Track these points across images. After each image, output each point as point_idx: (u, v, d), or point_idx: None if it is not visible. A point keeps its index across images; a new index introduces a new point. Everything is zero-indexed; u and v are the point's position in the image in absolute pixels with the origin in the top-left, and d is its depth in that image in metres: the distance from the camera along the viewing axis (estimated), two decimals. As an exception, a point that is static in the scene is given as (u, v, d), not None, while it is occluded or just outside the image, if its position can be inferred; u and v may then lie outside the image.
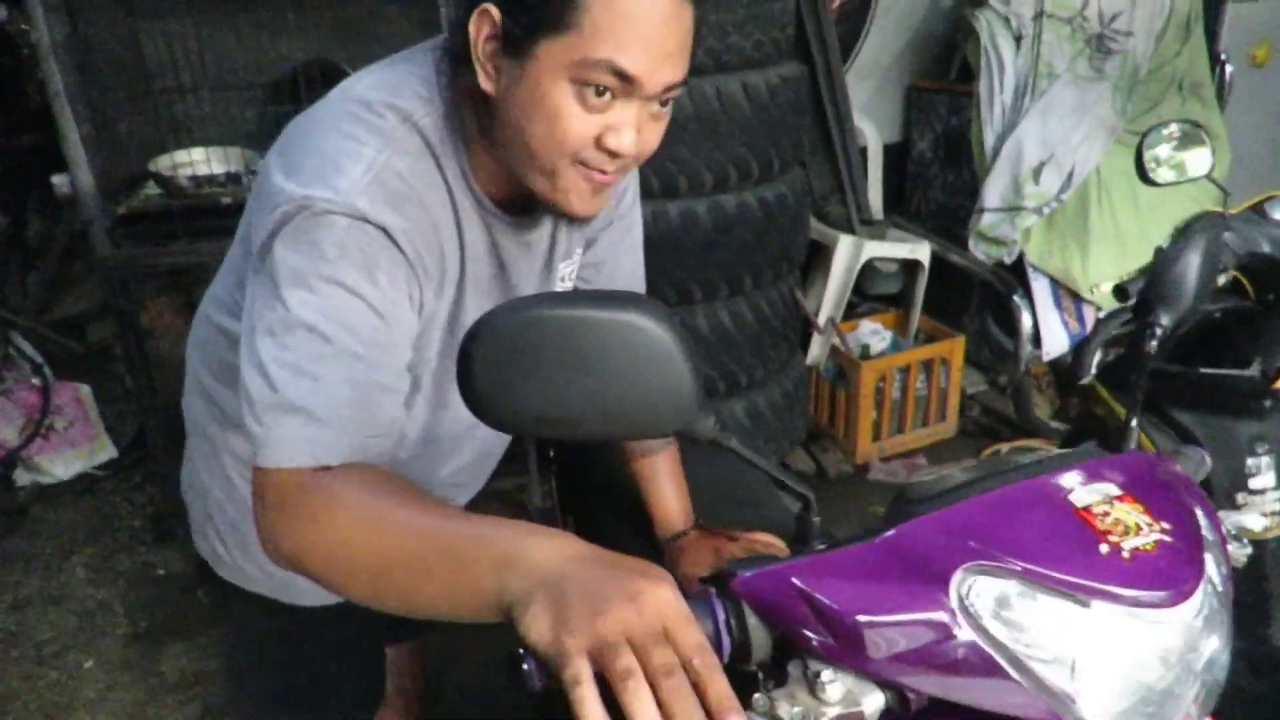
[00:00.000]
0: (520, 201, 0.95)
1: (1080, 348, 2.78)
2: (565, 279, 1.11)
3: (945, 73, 3.34)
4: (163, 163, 2.28)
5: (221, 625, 2.22)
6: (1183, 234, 0.82)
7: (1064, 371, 3.00)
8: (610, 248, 1.17)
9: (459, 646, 1.82)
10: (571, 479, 1.42)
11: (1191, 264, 0.79)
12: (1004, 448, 2.95)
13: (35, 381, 3.06)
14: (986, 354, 3.21)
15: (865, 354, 2.93)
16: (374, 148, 0.84)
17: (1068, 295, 2.90)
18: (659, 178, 2.24)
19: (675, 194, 2.28)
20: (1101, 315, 2.86)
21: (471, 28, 0.82)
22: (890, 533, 0.60)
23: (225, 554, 1.14)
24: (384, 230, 0.83)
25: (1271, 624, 1.54)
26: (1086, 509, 0.61)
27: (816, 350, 2.91)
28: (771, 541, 1.14)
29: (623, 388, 0.59)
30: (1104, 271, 2.82)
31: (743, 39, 2.25)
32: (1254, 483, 1.53)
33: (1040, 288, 2.90)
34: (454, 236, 0.92)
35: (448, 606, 0.64)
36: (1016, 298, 2.82)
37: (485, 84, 0.84)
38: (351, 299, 0.81)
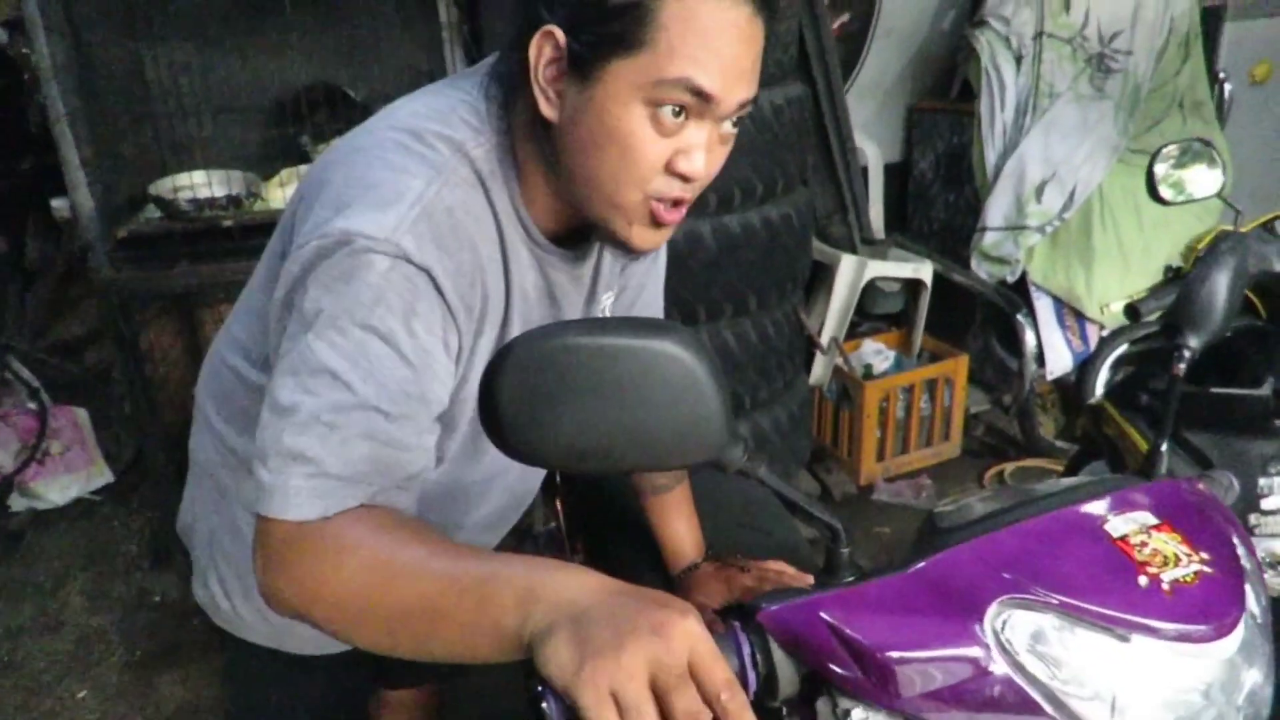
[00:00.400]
0: (573, 234, 0.91)
1: (1085, 366, 2.77)
2: (605, 309, 1.07)
3: (946, 93, 3.34)
4: (163, 185, 2.27)
5: (218, 655, 2.19)
6: (1209, 254, 0.81)
7: (1069, 390, 2.99)
8: (643, 274, 1.14)
9: (467, 693, 1.80)
10: (579, 504, 1.40)
11: (1220, 285, 0.78)
12: (1009, 467, 2.93)
13: (32, 406, 3.03)
14: (990, 373, 3.19)
15: (869, 374, 2.91)
16: (423, 180, 0.79)
17: (1071, 314, 2.89)
18: (662, 198, 2.23)
19: (679, 214, 2.27)
20: (1105, 333, 2.86)
21: (532, 50, 0.78)
22: (921, 564, 0.58)
23: (225, 602, 1.08)
24: (427, 273, 0.78)
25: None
26: (1124, 539, 0.59)
27: (820, 370, 2.89)
28: (784, 569, 1.12)
29: (652, 418, 0.57)
30: (1109, 290, 2.81)
31: (745, 60, 2.25)
32: (1266, 503, 1.51)
33: (1044, 306, 2.89)
34: (500, 274, 0.87)
35: (466, 648, 0.62)
36: (1020, 316, 2.81)
37: (547, 110, 0.79)
38: (383, 347, 0.76)
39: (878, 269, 2.86)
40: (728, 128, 0.80)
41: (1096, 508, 0.61)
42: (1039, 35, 2.89)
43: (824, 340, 2.84)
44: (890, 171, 3.39)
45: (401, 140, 0.81)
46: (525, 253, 0.89)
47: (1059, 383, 2.97)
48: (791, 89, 2.37)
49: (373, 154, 0.81)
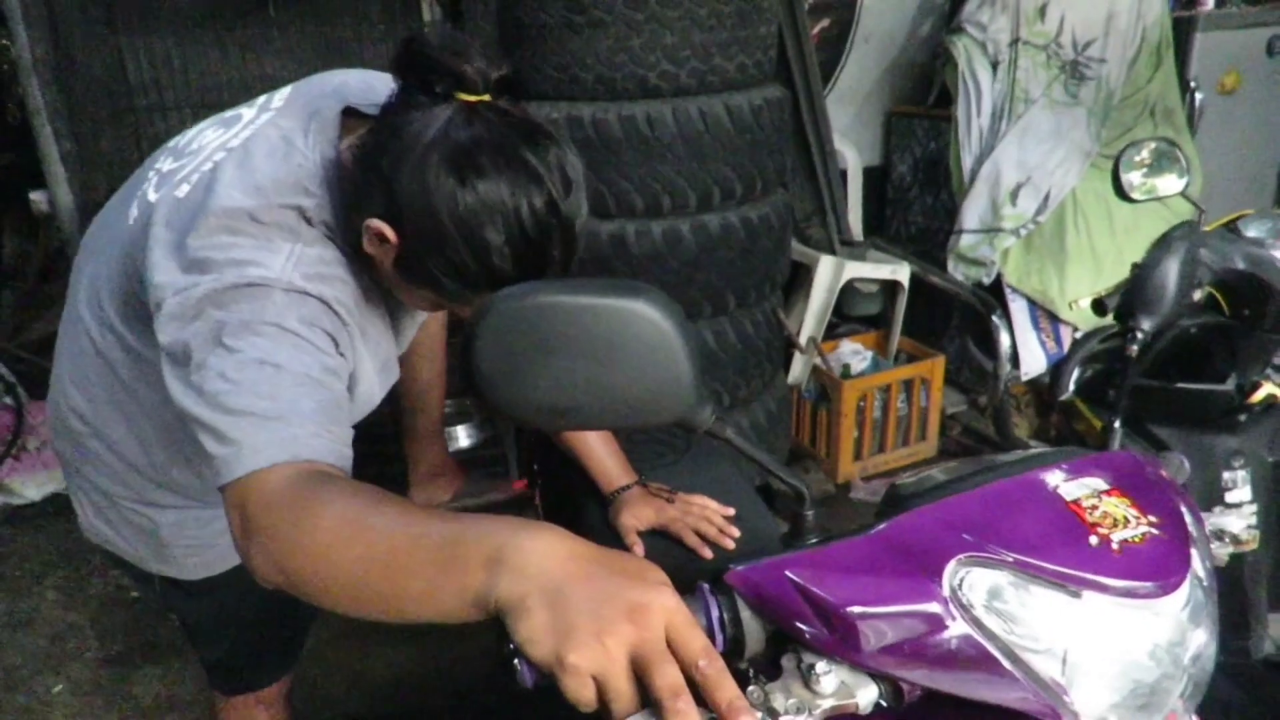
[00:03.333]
0: None
1: (1058, 367, 2.82)
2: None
3: (924, 98, 3.39)
4: (145, 178, 2.27)
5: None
6: (1161, 242, 0.84)
7: (1043, 391, 3.04)
8: None
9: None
10: (533, 442, 1.53)
11: (1170, 271, 0.81)
12: (984, 467, 2.98)
13: (8, 401, 3.01)
14: (966, 374, 3.24)
15: (846, 374, 2.95)
16: (287, 241, 0.87)
17: (1045, 316, 2.94)
18: (643, 197, 2.25)
19: (659, 213, 2.29)
20: (1079, 335, 2.91)
21: (364, 231, 0.88)
22: (883, 526, 0.61)
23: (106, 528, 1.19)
24: (321, 300, 0.86)
25: (1251, 636, 1.56)
26: (1076, 502, 0.61)
27: (798, 370, 2.92)
28: (707, 503, 1.25)
29: (625, 376, 0.59)
30: (1081, 293, 2.86)
31: (726, 61, 2.28)
32: (1230, 496, 1.55)
33: (1018, 308, 2.93)
34: (373, 298, 0.98)
35: (432, 607, 0.62)
36: (995, 318, 2.86)
37: (369, 249, 0.89)
38: (300, 342, 0.82)
39: (856, 270, 2.90)
40: None
41: (1052, 475, 0.64)
42: (1015, 42, 2.95)
43: (802, 340, 2.87)
44: (869, 175, 3.43)
45: (259, 216, 0.87)
46: (370, 296, 0.98)
47: (1033, 383, 3.02)
48: (771, 91, 2.41)
49: (233, 236, 0.86)
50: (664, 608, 0.53)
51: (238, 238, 0.86)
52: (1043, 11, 2.95)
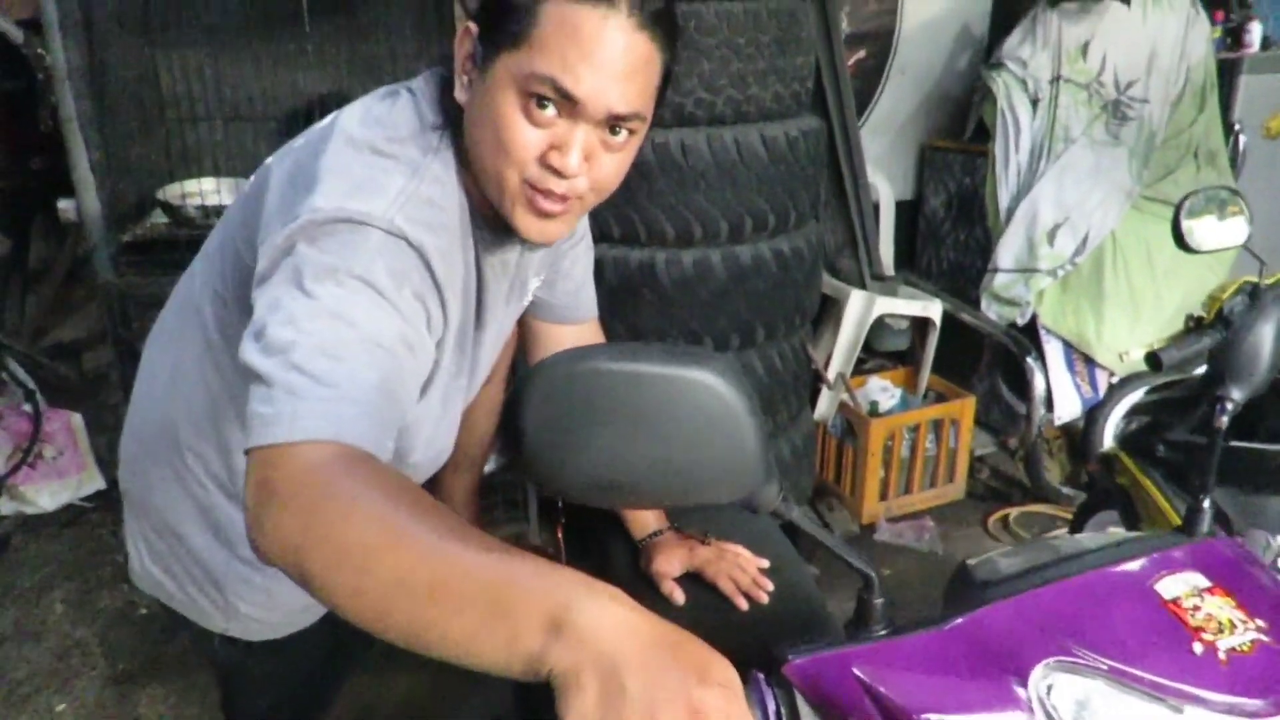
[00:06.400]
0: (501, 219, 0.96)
1: (1094, 412, 2.75)
2: (530, 292, 1.15)
3: (959, 132, 3.34)
4: (171, 191, 2.26)
5: (201, 673, 2.13)
6: (1256, 305, 0.78)
7: (1077, 436, 2.95)
8: (574, 263, 1.22)
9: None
10: None
11: (1266, 335, 0.75)
12: (1014, 512, 2.89)
13: (26, 408, 2.99)
14: (996, 415, 3.16)
15: (874, 411, 2.88)
16: (404, 176, 0.84)
17: (1081, 359, 2.86)
18: (674, 225, 2.21)
19: (690, 242, 2.25)
20: (1115, 380, 2.83)
21: (455, 44, 0.88)
22: (960, 620, 0.55)
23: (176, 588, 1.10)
24: (419, 251, 0.82)
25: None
26: (1175, 602, 0.55)
27: (825, 405, 2.86)
28: (740, 551, 1.20)
29: (684, 452, 0.54)
30: (1118, 337, 2.79)
31: (762, 90, 2.24)
32: (1284, 561, 1.47)
33: (1053, 350, 2.86)
34: (471, 257, 0.94)
35: (469, 652, 0.55)
36: (1029, 360, 2.79)
37: (460, 94, 0.88)
38: (381, 300, 0.77)
39: (887, 305, 2.84)
40: (614, 138, 0.86)
41: (1142, 567, 0.58)
42: (1055, 79, 2.90)
43: (830, 375, 2.81)
44: (901, 209, 3.38)
45: (378, 145, 0.85)
46: (472, 236, 0.94)
47: (1067, 428, 2.94)
48: (806, 122, 2.36)
49: (350, 155, 0.84)
50: (723, 713, 0.48)
51: (355, 156, 0.84)
52: (1085, 50, 2.90)
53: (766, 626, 0.99)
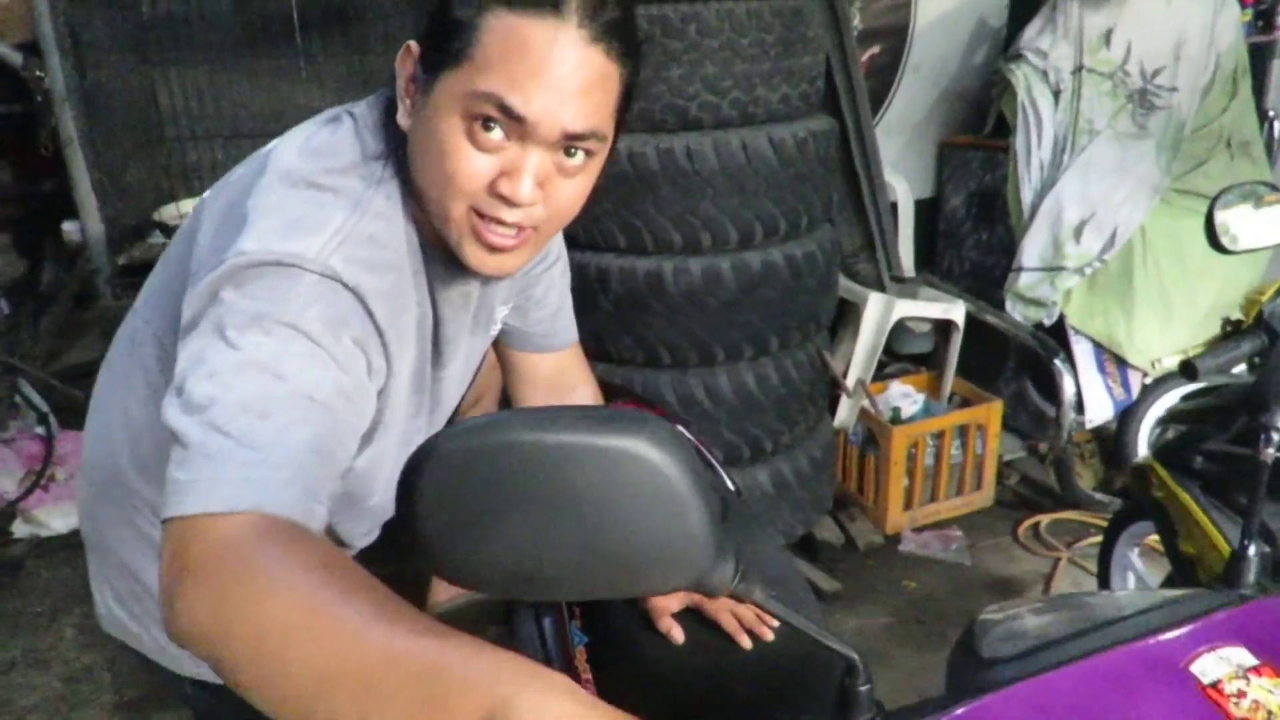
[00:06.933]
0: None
1: (1127, 416, 2.64)
2: (497, 322, 1.09)
3: (978, 128, 3.24)
4: (168, 212, 2.23)
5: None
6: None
7: (1109, 440, 2.84)
8: (548, 289, 1.14)
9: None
10: None
11: (1314, 359, 0.67)
12: (1044, 520, 2.78)
13: (39, 431, 2.98)
14: (1024, 420, 3.05)
15: (896, 418, 2.79)
16: (343, 212, 0.78)
17: (1112, 359, 2.75)
18: (681, 233, 2.14)
19: (698, 251, 2.17)
20: (1148, 381, 2.72)
21: (397, 64, 0.82)
22: (962, 711, 0.47)
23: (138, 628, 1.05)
24: (356, 294, 0.76)
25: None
26: (1215, 686, 0.47)
27: (845, 413, 2.77)
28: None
29: (617, 535, 0.46)
30: (1150, 338, 2.67)
31: (770, 92, 2.16)
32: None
33: (1082, 351, 2.75)
34: (424, 294, 0.88)
35: None
36: (1058, 361, 2.68)
37: (404, 120, 0.82)
38: (314, 349, 0.71)
39: (907, 309, 2.74)
40: (570, 160, 0.79)
41: (1177, 640, 0.50)
42: (1078, 70, 2.79)
43: (850, 382, 2.72)
44: (920, 208, 3.28)
45: (315, 179, 0.79)
46: (423, 270, 0.88)
47: (1099, 432, 2.83)
48: (817, 123, 2.28)
49: (284, 191, 0.78)
50: None
51: (290, 193, 0.78)
52: (1107, 38, 2.79)
53: (769, 671, 0.91)
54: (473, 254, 0.82)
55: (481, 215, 0.80)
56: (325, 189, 0.79)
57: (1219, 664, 0.48)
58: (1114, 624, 0.51)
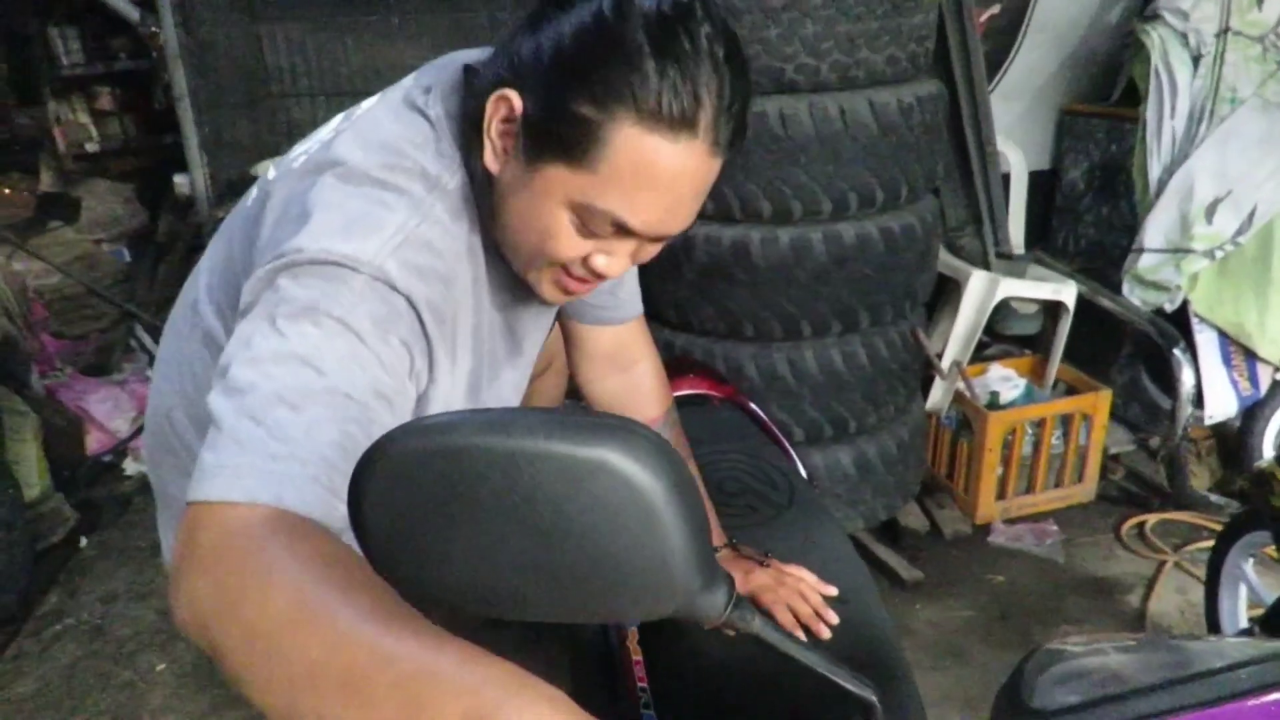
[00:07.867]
0: None
1: (1252, 414, 2.43)
2: None
3: (1106, 95, 3.01)
4: (262, 168, 2.27)
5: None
6: None
7: (1230, 438, 2.63)
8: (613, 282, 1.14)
9: None
10: None
11: None
12: (1150, 519, 2.60)
13: (149, 374, 3.14)
14: (1136, 411, 2.85)
15: (994, 403, 2.64)
16: (403, 214, 0.78)
17: (1239, 351, 2.53)
18: (771, 201, 2.06)
19: (788, 220, 2.09)
20: (1279, 377, 2.49)
21: (489, 106, 0.79)
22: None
23: None
24: (408, 298, 0.76)
25: None
26: (1320, 764, 0.40)
27: (938, 395, 2.65)
28: (804, 575, 1.09)
29: (585, 554, 0.41)
30: (1288, 330, 2.44)
31: (874, 53, 2.04)
32: None
33: (1206, 341, 2.54)
34: (476, 305, 0.89)
35: None
36: (1178, 351, 2.48)
37: (491, 162, 0.81)
38: (360, 347, 0.71)
39: (1012, 288, 2.58)
40: (659, 242, 0.83)
41: (1273, 706, 0.42)
42: (1223, 33, 2.54)
43: (945, 363, 2.59)
44: (1035, 180, 3.08)
45: (378, 175, 0.79)
46: (491, 284, 0.89)
47: (1219, 429, 2.62)
48: (924, 87, 2.15)
49: (346, 188, 0.78)
50: None
51: (352, 189, 0.78)
52: (1260, -3, 2.53)
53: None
54: (548, 293, 0.86)
55: (569, 274, 0.84)
56: (389, 187, 0.79)
57: (1326, 737, 0.41)
58: (1204, 677, 0.44)
